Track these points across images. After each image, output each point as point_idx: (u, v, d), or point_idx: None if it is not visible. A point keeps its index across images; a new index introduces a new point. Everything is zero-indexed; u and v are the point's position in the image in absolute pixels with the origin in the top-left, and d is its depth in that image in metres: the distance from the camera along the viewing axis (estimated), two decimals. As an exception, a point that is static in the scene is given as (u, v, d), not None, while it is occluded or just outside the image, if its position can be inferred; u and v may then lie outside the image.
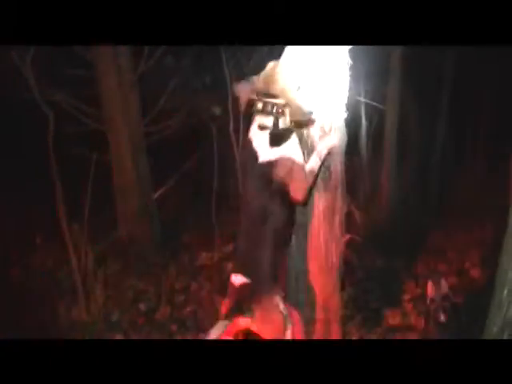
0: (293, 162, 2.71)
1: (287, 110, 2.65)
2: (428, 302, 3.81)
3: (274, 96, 2.67)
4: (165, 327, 4.46)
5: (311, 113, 2.71)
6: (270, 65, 2.75)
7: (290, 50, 2.72)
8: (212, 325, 2.70)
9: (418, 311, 4.46)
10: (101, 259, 4.86)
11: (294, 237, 3.12)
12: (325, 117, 2.91)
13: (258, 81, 2.73)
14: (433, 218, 7.23)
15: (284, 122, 2.67)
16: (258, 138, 2.74)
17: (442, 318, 3.71)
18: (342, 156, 3.18)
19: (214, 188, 6.03)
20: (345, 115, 3.00)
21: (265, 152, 2.71)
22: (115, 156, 5.75)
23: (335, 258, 3.31)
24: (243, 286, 2.74)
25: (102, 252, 5.03)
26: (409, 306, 4.65)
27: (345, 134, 3.11)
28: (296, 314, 2.89)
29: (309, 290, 3.29)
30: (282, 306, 2.78)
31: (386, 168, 7.25)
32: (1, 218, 5.44)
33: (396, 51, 6.72)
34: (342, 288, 3.67)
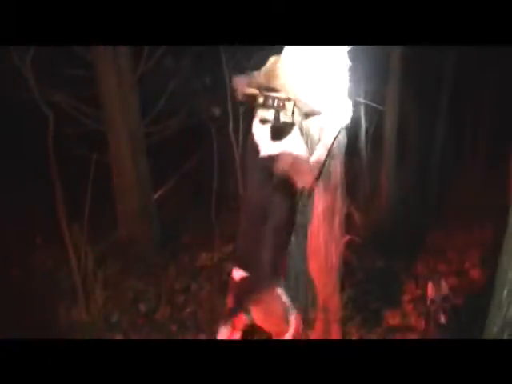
0: (295, 156, 2.72)
1: (288, 104, 2.66)
2: (428, 303, 3.81)
3: (275, 90, 2.68)
4: (165, 328, 4.45)
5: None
6: (272, 59, 2.75)
7: (290, 47, 2.73)
8: (212, 325, 2.71)
9: (418, 312, 4.45)
10: (101, 259, 4.85)
11: (293, 237, 3.13)
12: (324, 118, 2.91)
13: (260, 75, 2.74)
14: (433, 219, 7.22)
15: (285, 116, 2.67)
16: (260, 132, 2.75)
17: (443, 319, 3.71)
18: (341, 157, 3.19)
19: (213, 188, 6.03)
20: (344, 116, 3.00)
21: (267, 146, 2.71)
22: (115, 156, 5.75)
23: (335, 259, 3.31)
24: (244, 279, 2.75)
25: (102, 252, 5.02)
26: (409, 307, 4.64)
27: (344, 135, 3.12)
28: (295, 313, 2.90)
29: (309, 290, 3.30)
30: (284, 298, 2.80)
31: (386, 169, 7.25)
32: (1, 219, 5.43)
33: (396, 52, 6.72)
34: (342, 289, 3.67)
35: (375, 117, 7.79)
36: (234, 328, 2.76)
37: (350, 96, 3.02)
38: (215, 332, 3.31)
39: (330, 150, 2.91)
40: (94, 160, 4.89)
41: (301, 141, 2.78)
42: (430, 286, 3.82)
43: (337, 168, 3.18)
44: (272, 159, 2.69)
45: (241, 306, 2.72)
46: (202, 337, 4.19)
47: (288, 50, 2.73)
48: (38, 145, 4.69)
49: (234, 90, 2.88)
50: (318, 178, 2.92)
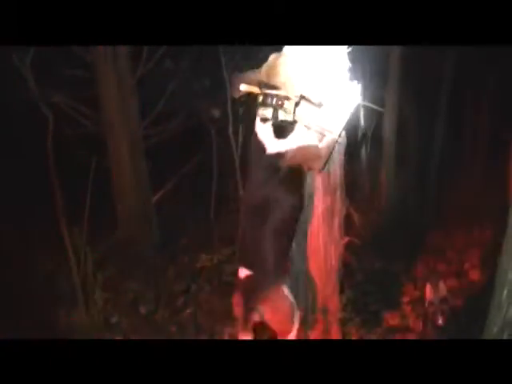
0: (302, 147, 2.73)
1: (287, 102, 2.66)
2: (426, 304, 3.81)
3: (275, 87, 2.68)
4: (164, 329, 4.45)
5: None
6: (272, 56, 2.75)
7: (290, 48, 2.73)
8: (212, 326, 2.72)
9: (417, 314, 4.45)
10: (100, 261, 4.84)
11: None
12: (324, 120, 2.91)
13: (260, 73, 2.74)
14: (432, 220, 7.22)
15: (284, 114, 2.67)
16: (263, 131, 2.75)
17: (440, 321, 3.71)
18: (341, 159, 3.19)
19: (213, 190, 6.04)
20: (344, 118, 3.00)
21: (272, 143, 2.72)
22: (114, 158, 5.75)
23: (334, 260, 3.31)
24: (250, 278, 2.76)
25: (102, 254, 5.02)
26: (408, 309, 4.65)
27: (344, 136, 3.12)
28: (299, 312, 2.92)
29: (309, 290, 3.30)
30: (290, 296, 2.81)
31: (385, 170, 7.24)
32: (0, 220, 5.43)
33: (395, 53, 6.73)
34: (341, 290, 3.67)
35: (374, 119, 7.81)
36: (245, 326, 2.78)
37: (349, 98, 3.02)
38: (215, 333, 3.33)
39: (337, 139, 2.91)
40: (94, 162, 4.89)
41: (305, 135, 2.77)
42: (428, 287, 3.82)
43: (336, 169, 3.18)
44: (279, 156, 2.70)
45: (248, 304, 2.74)
46: (202, 338, 4.20)
47: (288, 49, 2.73)
48: (37, 147, 4.69)
49: (233, 89, 2.89)
50: (325, 164, 2.92)
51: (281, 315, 2.83)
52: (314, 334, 3.28)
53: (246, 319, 2.76)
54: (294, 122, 2.71)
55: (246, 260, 2.84)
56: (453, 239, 6.53)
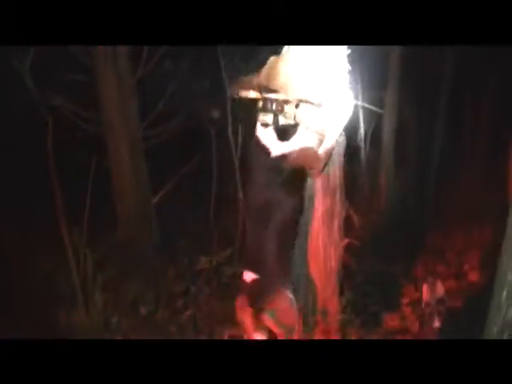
0: (305, 149, 2.74)
1: (287, 107, 2.67)
2: (423, 305, 3.81)
3: (274, 91, 2.69)
4: (164, 330, 4.45)
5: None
6: (271, 60, 2.76)
7: (290, 48, 2.74)
8: (211, 328, 2.72)
9: (417, 315, 4.45)
10: (100, 262, 4.84)
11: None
12: (328, 114, 2.92)
13: (260, 76, 2.75)
14: (432, 221, 7.22)
15: (284, 119, 2.68)
16: (265, 135, 2.76)
17: (437, 322, 3.71)
18: (340, 160, 3.20)
19: (212, 191, 6.04)
20: (343, 120, 3.01)
21: (276, 146, 2.73)
22: (114, 159, 5.74)
23: (334, 262, 3.32)
24: (256, 281, 2.78)
25: (101, 255, 5.01)
26: (408, 310, 4.64)
27: (343, 137, 3.12)
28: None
29: (309, 292, 3.30)
30: (293, 298, 2.83)
31: (385, 171, 7.24)
32: (0, 221, 5.42)
33: (394, 54, 6.73)
34: (341, 292, 3.68)
35: (374, 120, 7.80)
36: (255, 326, 2.79)
37: (349, 95, 3.03)
38: (214, 334, 3.32)
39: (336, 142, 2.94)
40: (94, 163, 4.89)
41: (307, 137, 2.79)
42: (424, 288, 3.83)
43: (336, 171, 3.19)
44: (283, 158, 2.72)
45: (255, 307, 2.75)
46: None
47: (287, 51, 2.74)
48: (37, 148, 4.69)
49: (233, 93, 2.91)
50: (325, 165, 2.95)
51: (286, 319, 2.85)
52: (314, 336, 3.29)
53: (255, 321, 2.78)
54: (295, 125, 2.72)
55: (251, 263, 2.85)
56: (452, 240, 6.53)
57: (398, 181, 7.38)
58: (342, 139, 3.13)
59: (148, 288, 5.06)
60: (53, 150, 4.38)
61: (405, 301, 4.83)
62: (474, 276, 5.36)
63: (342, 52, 2.87)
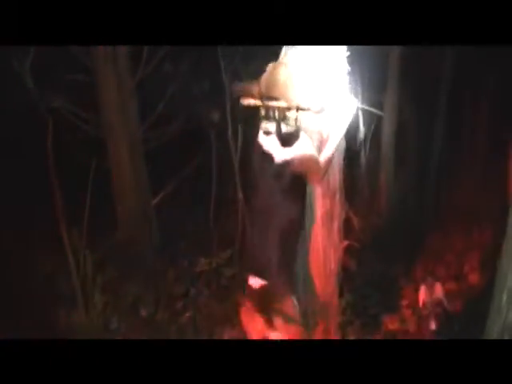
0: (308, 157, 2.75)
1: (289, 113, 2.68)
2: (421, 307, 3.82)
3: (276, 99, 2.69)
4: (164, 332, 4.45)
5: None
6: (270, 67, 2.76)
7: (288, 52, 2.75)
8: (211, 330, 2.73)
9: (417, 317, 4.45)
10: (100, 264, 4.84)
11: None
12: (328, 119, 2.93)
13: (260, 85, 2.75)
14: (431, 223, 7.21)
15: (287, 126, 2.70)
16: (268, 142, 2.78)
17: (434, 325, 3.71)
18: (340, 163, 3.20)
19: (212, 193, 6.04)
20: (345, 118, 3.01)
21: (279, 153, 2.74)
22: (114, 162, 5.73)
23: (334, 264, 3.32)
24: (263, 287, 2.80)
25: (101, 257, 5.01)
26: (407, 312, 4.65)
27: (343, 140, 3.13)
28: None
29: (308, 294, 3.30)
30: (297, 307, 2.85)
31: (385, 172, 7.25)
32: (1, 222, 5.42)
33: (394, 56, 6.73)
34: (341, 294, 3.67)
35: (373, 122, 7.81)
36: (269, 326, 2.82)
37: (349, 100, 3.03)
38: (214, 336, 3.32)
39: (335, 149, 2.95)
40: (93, 165, 4.89)
41: (309, 143, 2.80)
42: (422, 290, 3.83)
43: (335, 173, 3.19)
44: (287, 164, 2.73)
45: (262, 312, 2.78)
46: (201, 341, 4.19)
47: (285, 56, 2.74)
48: (37, 149, 4.69)
49: (235, 100, 2.94)
50: (325, 173, 2.97)
51: (291, 325, 2.87)
52: (314, 337, 3.29)
53: (266, 325, 2.80)
54: (297, 132, 2.73)
55: (257, 269, 2.87)
56: (452, 242, 6.52)
57: (398, 183, 7.38)
58: (342, 141, 3.13)
59: (148, 290, 5.06)
60: (53, 151, 4.39)
61: (404, 303, 4.83)
62: (473, 278, 5.36)
63: (341, 54, 2.88)
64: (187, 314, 4.71)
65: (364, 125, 7.70)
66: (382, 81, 6.98)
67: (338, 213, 3.27)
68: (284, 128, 2.71)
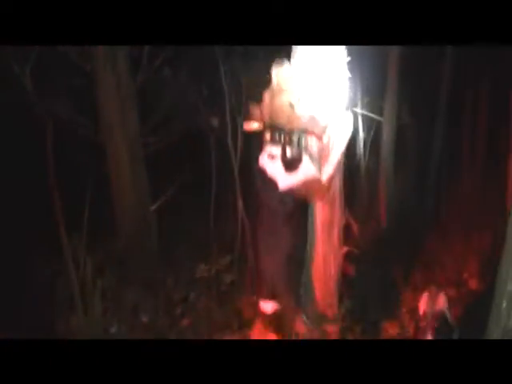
0: (311, 180, 2.79)
1: (294, 136, 2.72)
2: (421, 317, 3.82)
3: (280, 124, 2.73)
4: (163, 337, 4.44)
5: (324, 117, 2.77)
6: (268, 93, 2.80)
7: (283, 73, 2.78)
8: (210, 336, 2.74)
9: (416, 323, 4.44)
10: (99, 270, 4.83)
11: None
12: (328, 137, 2.95)
13: (262, 112, 2.79)
14: (431, 229, 7.20)
15: (292, 149, 2.73)
16: (272, 167, 2.81)
17: (433, 334, 3.71)
18: (340, 169, 3.20)
19: (212, 199, 6.03)
20: (346, 133, 3.04)
21: (283, 178, 2.78)
22: (113, 166, 5.72)
23: (334, 270, 3.32)
24: (276, 311, 2.86)
25: (101, 262, 5.00)
26: (406, 318, 4.64)
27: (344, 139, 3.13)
28: None
29: (308, 300, 3.30)
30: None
31: (384, 180, 7.24)
32: (1, 226, 5.41)
33: (393, 57, 6.74)
34: (341, 300, 3.68)
35: (373, 127, 7.81)
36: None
37: (349, 108, 3.05)
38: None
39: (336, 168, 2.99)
40: (93, 170, 4.89)
41: (312, 164, 2.84)
42: (423, 300, 3.82)
43: (335, 181, 3.19)
44: (292, 189, 2.78)
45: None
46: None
47: (283, 82, 2.78)
48: (37, 155, 4.69)
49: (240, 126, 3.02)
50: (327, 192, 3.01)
51: None
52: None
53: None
54: (300, 155, 2.76)
55: (268, 293, 2.94)
56: (451, 249, 6.51)
57: (397, 188, 7.38)
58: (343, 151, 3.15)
59: (147, 295, 5.04)
60: (53, 157, 4.39)
61: (404, 309, 4.83)
62: (473, 284, 5.35)
63: (339, 62, 2.90)
64: (186, 320, 4.70)
65: (363, 130, 7.71)
66: (381, 85, 6.98)
67: (338, 219, 3.28)
68: (289, 152, 2.75)
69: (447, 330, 3.68)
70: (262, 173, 2.88)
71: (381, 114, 7.18)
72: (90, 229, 4.76)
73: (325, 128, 2.79)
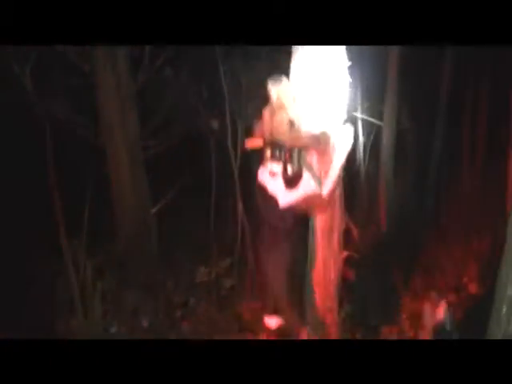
0: (312, 196, 2.81)
1: (294, 153, 2.74)
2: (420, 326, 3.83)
3: (280, 141, 2.75)
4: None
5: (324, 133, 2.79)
6: (266, 113, 2.81)
7: (282, 89, 2.80)
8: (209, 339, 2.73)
9: (416, 328, 4.43)
10: (99, 272, 4.82)
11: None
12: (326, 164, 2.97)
13: (261, 130, 2.81)
14: (431, 234, 7.19)
15: (293, 166, 2.74)
16: (273, 184, 2.83)
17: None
18: (340, 175, 3.20)
19: (212, 202, 6.02)
20: (346, 145, 3.05)
21: (284, 196, 2.80)
22: (113, 169, 5.71)
23: (333, 275, 3.31)
24: (281, 326, 2.89)
25: (101, 265, 4.99)
26: (406, 323, 4.63)
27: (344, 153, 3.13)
28: None
29: (308, 305, 3.30)
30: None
31: (383, 184, 7.23)
32: (1, 229, 5.40)
33: (393, 59, 6.73)
34: (341, 305, 3.67)
35: (373, 131, 7.80)
36: None
37: (349, 121, 3.08)
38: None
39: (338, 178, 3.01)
40: (93, 172, 4.88)
41: (312, 180, 2.85)
42: (425, 310, 3.82)
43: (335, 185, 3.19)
44: (292, 206, 2.79)
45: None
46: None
47: (281, 99, 2.80)
48: (37, 156, 4.69)
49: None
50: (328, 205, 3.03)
51: None
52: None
53: None
54: (301, 169, 2.78)
55: (273, 309, 2.96)
56: (451, 253, 6.49)
57: (398, 192, 7.36)
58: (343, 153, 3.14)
59: (147, 299, 5.03)
60: (53, 159, 4.39)
61: (404, 314, 4.81)
62: (473, 288, 5.33)
63: (337, 69, 2.90)
64: (186, 323, 4.69)
65: (363, 135, 7.70)
66: (381, 85, 6.97)
67: (338, 224, 3.27)
68: (290, 169, 2.77)
69: (447, 336, 3.67)
70: (263, 190, 2.90)
71: (381, 118, 7.17)
72: (90, 231, 4.75)
73: (325, 144, 2.81)
